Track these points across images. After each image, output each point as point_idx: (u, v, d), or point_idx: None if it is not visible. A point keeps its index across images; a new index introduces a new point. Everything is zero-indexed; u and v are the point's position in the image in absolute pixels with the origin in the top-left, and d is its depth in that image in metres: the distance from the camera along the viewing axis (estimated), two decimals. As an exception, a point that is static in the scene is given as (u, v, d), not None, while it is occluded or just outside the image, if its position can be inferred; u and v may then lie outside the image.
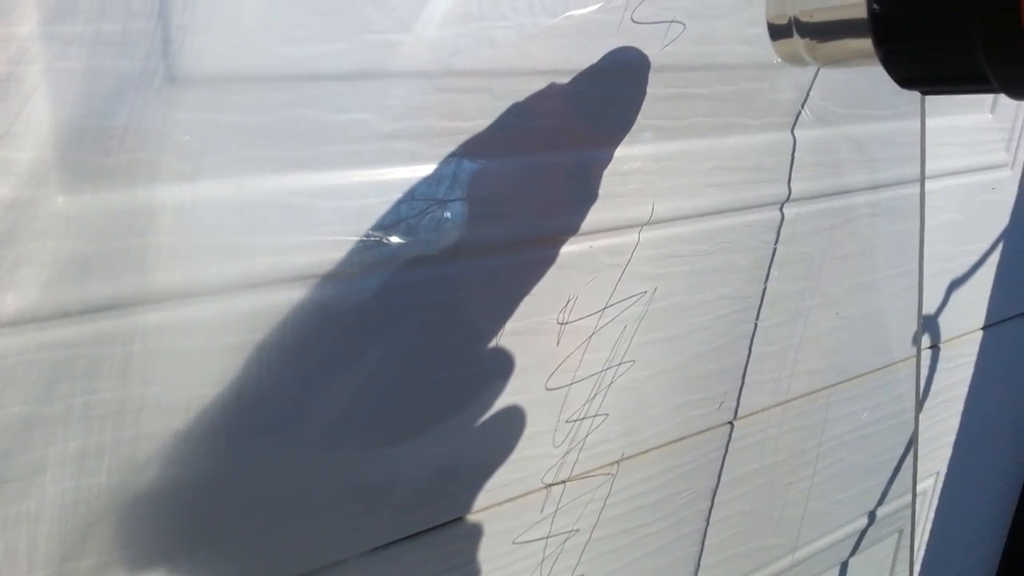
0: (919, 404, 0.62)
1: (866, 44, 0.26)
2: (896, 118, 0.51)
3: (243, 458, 0.31)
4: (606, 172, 0.38)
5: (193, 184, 0.28)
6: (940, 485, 0.74)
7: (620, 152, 0.38)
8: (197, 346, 0.29)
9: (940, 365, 0.66)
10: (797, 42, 0.30)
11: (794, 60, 0.31)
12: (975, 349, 0.69)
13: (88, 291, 0.27)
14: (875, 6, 0.25)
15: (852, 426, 0.58)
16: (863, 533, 0.64)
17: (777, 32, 0.30)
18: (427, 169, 0.33)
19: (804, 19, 0.29)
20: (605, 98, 0.37)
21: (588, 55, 0.36)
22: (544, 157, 0.36)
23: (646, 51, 0.37)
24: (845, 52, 0.28)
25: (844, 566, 0.65)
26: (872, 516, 0.64)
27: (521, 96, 0.35)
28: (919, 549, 0.75)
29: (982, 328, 0.69)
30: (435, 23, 0.32)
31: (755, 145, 0.44)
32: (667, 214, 0.41)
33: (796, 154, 0.46)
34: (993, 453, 0.79)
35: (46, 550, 0.28)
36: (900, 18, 0.24)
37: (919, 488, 0.69)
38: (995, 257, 0.66)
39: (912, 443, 0.63)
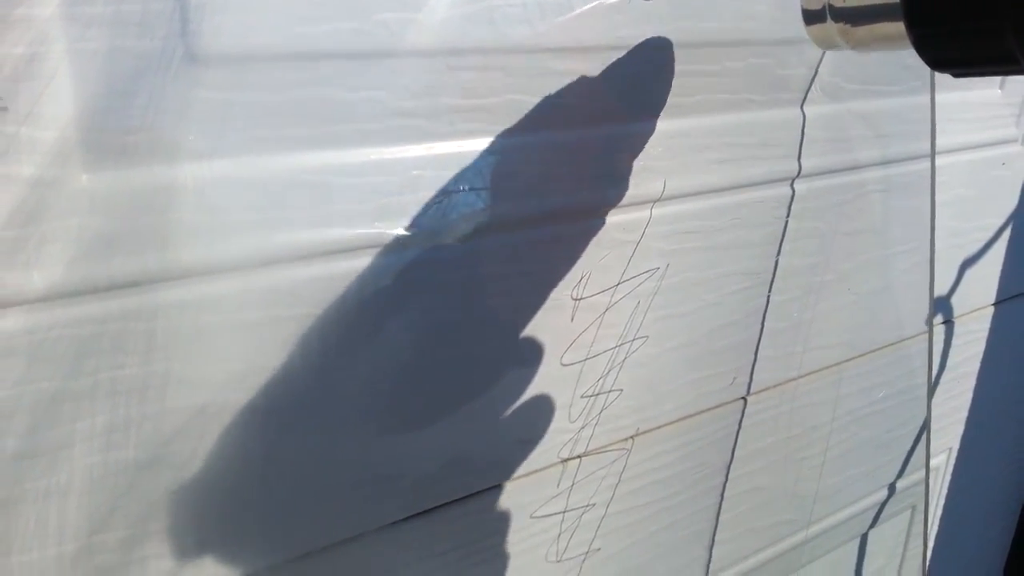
0: (931, 381, 0.62)
1: (899, 27, 0.26)
2: (906, 94, 0.51)
3: (264, 434, 0.32)
4: (617, 149, 0.38)
5: (212, 162, 0.28)
6: (953, 461, 0.74)
7: (631, 129, 0.39)
8: (218, 322, 0.30)
9: (952, 341, 0.66)
10: (831, 27, 0.30)
11: (828, 44, 0.31)
12: (986, 325, 0.69)
13: (112, 268, 0.27)
14: None
15: (865, 402, 0.59)
16: (879, 510, 0.65)
17: (811, 17, 0.31)
18: (440, 147, 0.33)
19: (838, 4, 0.30)
20: (619, 77, 0.37)
21: (598, 33, 0.36)
22: (555, 135, 0.36)
23: (656, 28, 0.38)
24: (878, 36, 0.29)
25: (863, 539, 0.65)
26: (887, 491, 0.64)
27: (532, 75, 0.35)
28: (932, 525, 0.75)
29: (993, 304, 0.69)
30: (447, 2, 0.32)
31: (765, 121, 0.44)
32: (678, 190, 0.41)
33: (806, 130, 0.46)
34: (1005, 429, 0.79)
35: (75, 523, 0.29)
36: (931, 2, 0.25)
37: (932, 464, 0.69)
38: (1006, 233, 0.66)
39: (925, 423, 0.63)
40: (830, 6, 0.30)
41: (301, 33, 0.29)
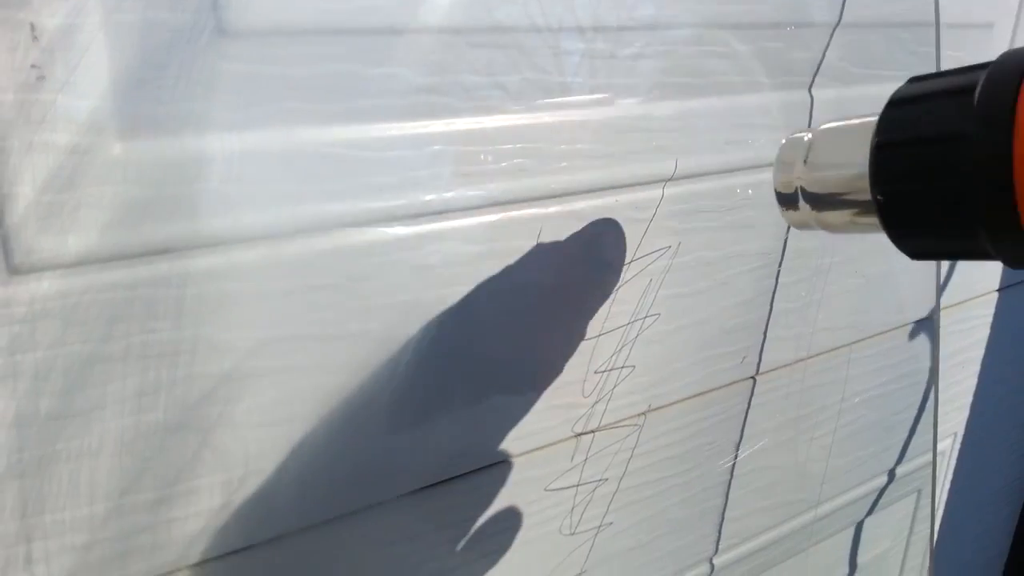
0: (937, 365, 0.63)
1: (873, 219, 0.27)
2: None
3: (288, 401, 0.33)
4: (631, 128, 0.39)
5: (241, 134, 0.29)
6: (958, 447, 0.75)
7: (644, 109, 0.39)
8: (245, 290, 0.31)
9: (956, 327, 0.67)
10: (805, 211, 0.30)
11: (802, 226, 0.31)
12: (991, 311, 0.70)
13: (144, 235, 0.28)
14: (879, 196, 0.26)
15: (872, 384, 0.59)
16: (884, 492, 0.65)
17: (784, 200, 0.31)
18: (459, 123, 0.34)
19: (810, 189, 0.30)
20: (632, 55, 0.38)
21: (616, 5, 0.37)
22: (574, 112, 0.37)
23: (667, 7, 0.38)
24: (852, 224, 0.29)
25: (860, 525, 0.66)
26: (894, 473, 0.65)
27: (552, 52, 0.36)
28: (938, 510, 0.76)
29: (997, 290, 0.69)
30: (466, -19, 0.33)
31: (773, 104, 0.45)
32: (690, 170, 0.42)
33: (814, 113, 0.47)
34: (1010, 415, 0.80)
35: (106, 484, 0.30)
36: (904, 209, 0.25)
37: (937, 449, 0.69)
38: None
39: (932, 407, 0.64)
40: (803, 191, 0.30)
41: (327, 9, 0.30)
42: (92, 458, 0.29)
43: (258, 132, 0.30)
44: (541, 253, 0.38)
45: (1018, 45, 0.57)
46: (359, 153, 0.32)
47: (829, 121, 0.30)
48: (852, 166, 0.27)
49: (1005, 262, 0.24)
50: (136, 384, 0.29)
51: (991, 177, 0.22)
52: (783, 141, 0.31)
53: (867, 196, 0.26)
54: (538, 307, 0.39)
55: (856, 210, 0.28)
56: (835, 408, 0.58)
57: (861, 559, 0.68)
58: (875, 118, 0.26)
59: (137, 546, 0.31)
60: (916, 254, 0.27)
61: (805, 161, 0.30)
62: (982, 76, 0.23)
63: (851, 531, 0.65)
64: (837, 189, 0.28)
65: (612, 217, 0.40)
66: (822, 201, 0.29)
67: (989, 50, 0.58)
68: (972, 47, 0.57)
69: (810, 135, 0.30)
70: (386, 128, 0.32)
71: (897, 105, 0.26)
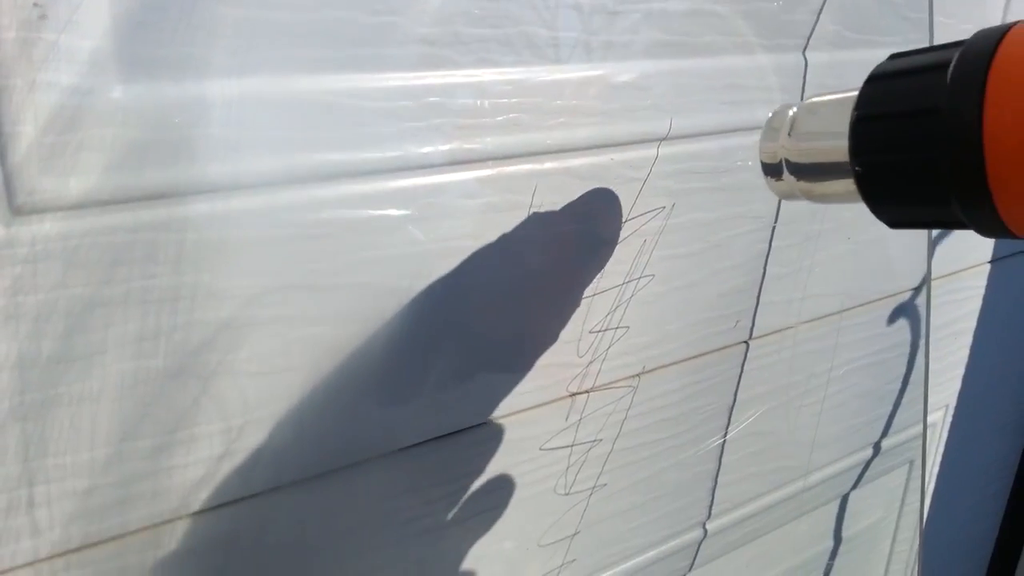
0: (928, 334, 0.64)
1: (853, 190, 0.28)
2: (906, 44, 0.53)
3: (287, 351, 0.33)
4: (626, 85, 0.39)
5: (240, 80, 0.29)
6: (950, 418, 0.76)
7: (639, 67, 0.40)
8: (245, 237, 0.31)
9: (947, 297, 0.67)
10: (789, 182, 0.32)
11: (787, 196, 0.33)
12: (983, 282, 0.71)
13: (144, 178, 0.28)
14: (857, 167, 0.27)
15: (862, 352, 0.60)
16: (874, 462, 0.66)
17: (770, 170, 0.33)
18: (458, 75, 0.34)
19: (793, 159, 0.31)
20: (630, 13, 0.38)
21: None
22: (571, 68, 0.38)
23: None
24: (834, 195, 0.30)
25: (850, 495, 0.66)
26: (885, 443, 0.66)
27: (551, 7, 0.36)
28: (930, 481, 0.77)
29: (990, 262, 0.70)
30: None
31: (768, 65, 0.45)
32: (685, 130, 0.42)
33: (808, 76, 0.47)
34: (1002, 387, 0.81)
35: (107, 428, 0.30)
36: (882, 180, 0.27)
37: (929, 420, 0.70)
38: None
39: (906, 376, 0.65)
40: (787, 162, 0.31)
41: (324, -44, 0.30)
42: (93, 403, 0.30)
43: (257, 78, 0.30)
44: (537, 217, 0.39)
45: (1012, 11, 0.57)
46: (357, 103, 0.32)
47: (815, 95, 0.31)
48: (833, 138, 0.28)
49: (977, 230, 0.25)
50: (136, 329, 0.30)
51: (962, 149, 0.23)
52: (770, 114, 0.33)
53: (847, 167, 0.28)
54: (535, 265, 0.39)
55: (837, 181, 0.29)
56: (825, 376, 0.58)
57: (853, 529, 0.69)
58: (856, 92, 0.28)
59: (138, 492, 0.32)
60: (894, 223, 0.28)
61: (789, 133, 0.31)
62: (956, 53, 0.24)
63: (841, 501, 0.66)
64: (819, 160, 0.30)
65: (609, 179, 0.40)
66: (805, 171, 0.31)
67: (982, 16, 0.59)
68: (964, 14, 0.57)
69: (795, 108, 0.31)
70: (384, 78, 0.33)
71: (876, 81, 0.27)
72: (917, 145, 0.25)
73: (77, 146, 0.27)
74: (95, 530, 0.31)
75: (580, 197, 0.40)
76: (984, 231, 0.25)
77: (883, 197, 0.27)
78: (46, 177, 0.27)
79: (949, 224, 0.26)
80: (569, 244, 0.40)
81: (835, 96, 0.29)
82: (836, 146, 0.28)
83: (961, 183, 0.24)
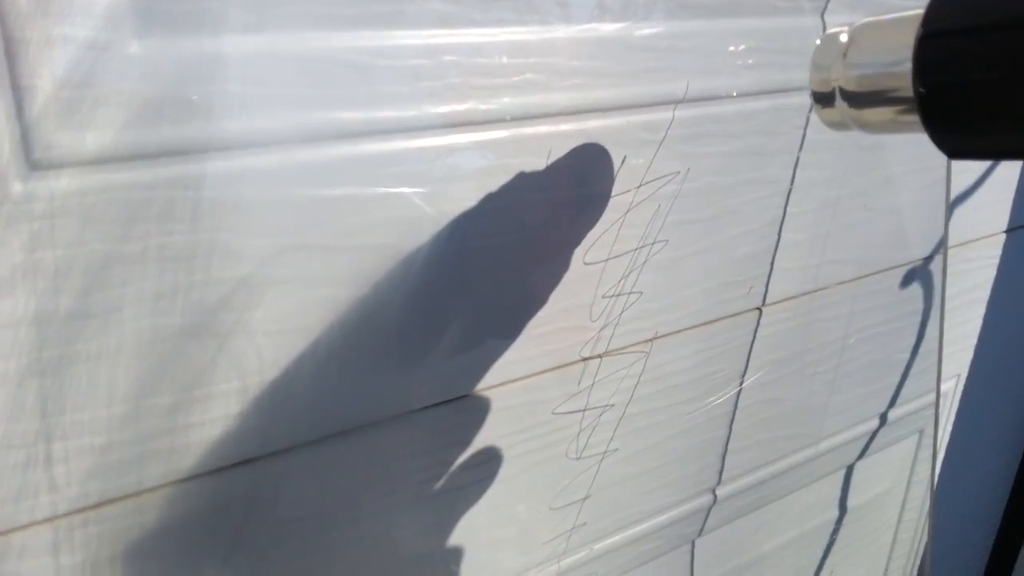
0: (943, 303, 0.63)
1: (913, 117, 0.26)
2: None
3: (303, 311, 0.33)
4: (642, 47, 0.39)
5: (256, 36, 0.29)
6: (961, 388, 0.76)
7: (656, 28, 0.39)
8: (261, 196, 0.31)
9: (962, 266, 0.67)
10: (842, 109, 0.29)
11: (839, 127, 0.30)
12: (997, 252, 0.70)
13: (161, 135, 0.28)
14: (921, 90, 0.25)
15: (876, 320, 0.60)
16: (875, 431, 0.66)
17: (821, 99, 0.30)
18: (475, 34, 0.34)
19: (849, 88, 0.29)
20: (642, -29, 0.38)
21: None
22: (589, 29, 0.37)
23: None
24: (891, 123, 0.28)
25: (853, 467, 0.67)
26: (887, 417, 0.66)
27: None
28: (940, 451, 0.77)
29: (1005, 231, 0.69)
30: None
31: (787, 28, 0.45)
32: (701, 93, 0.42)
33: (826, 41, 0.47)
34: (1016, 358, 0.80)
35: (124, 386, 0.30)
36: (947, 103, 0.25)
37: (941, 389, 0.70)
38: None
39: (931, 345, 0.64)
40: (841, 90, 0.29)
41: (341, -89, 0.30)
42: (111, 359, 0.30)
43: (273, 34, 0.30)
44: (539, 176, 0.38)
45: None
46: (373, 60, 0.32)
47: (870, 16, 0.29)
48: (893, 61, 0.26)
49: None
50: (154, 287, 0.30)
51: None
52: (817, 41, 0.30)
53: (908, 92, 0.26)
54: (542, 225, 0.39)
55: (896, 107, 0.27)
56: (838, 344, 0.58)
57: (862, 497, 0.69)
58: (919, 11, 0.26)
59: (155, 450, 0.32)
60: (955, 152, 0.26)
61: (844, 57, 0.29)
62: None
63: (851, 469, 0.66)
64: (876, 86, 0.28)
65: (624, 141, 0.40)
66: (860, 99, 0.28)
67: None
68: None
69: (848, 32, 0.29)
70: (401, 36, 0.32)
71: None
72: (991, 63, 0.23)
73: (93, 101, 0.27)
74: (113, 487, 0.31)
75: (569, 153, 0.39)
76: None
77: (947, 123, 0.25)
78: (63, 132, 0.27)
79: (1017, 154, 0.24)
80: (571, 205, 0.40)
81: (895, 16, 0.27)
82: (897, 69, 0.26)
83: None
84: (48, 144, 0.26)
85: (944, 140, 0.26)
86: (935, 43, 0.25)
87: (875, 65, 0.27)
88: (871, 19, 0.28)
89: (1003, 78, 0.23)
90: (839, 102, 0.29)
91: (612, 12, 0.38)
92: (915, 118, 0.26)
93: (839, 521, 0.68)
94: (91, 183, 0.27)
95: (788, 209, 0.49)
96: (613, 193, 0.41)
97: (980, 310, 0.72)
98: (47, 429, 0.29)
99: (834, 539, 0.68)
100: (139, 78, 0.27)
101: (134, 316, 0.30)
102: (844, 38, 0.29)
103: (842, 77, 0.29)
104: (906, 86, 0.26)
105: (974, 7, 0.24)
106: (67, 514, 0.31)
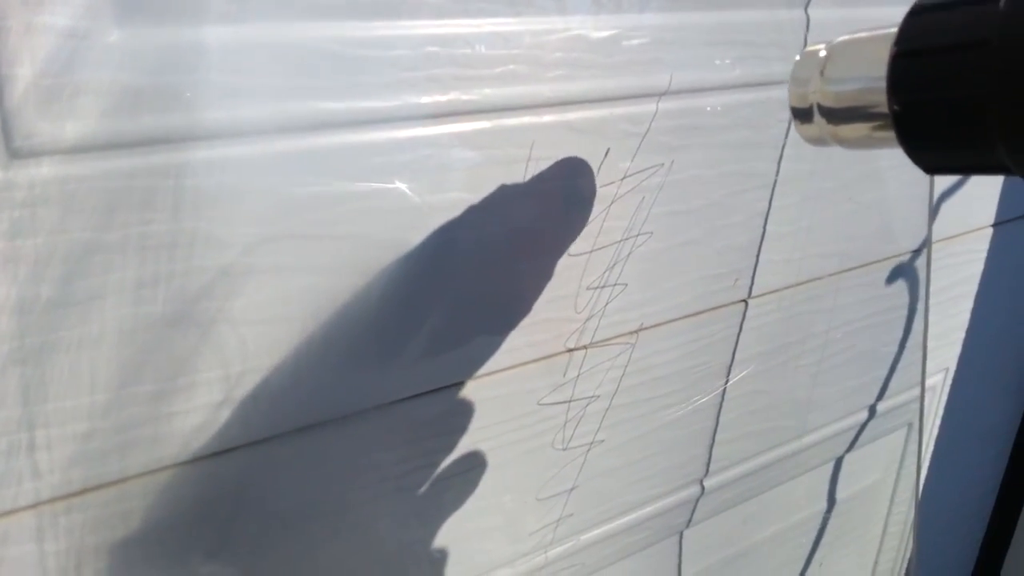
0: (928, 297, 0.64)
1: (889, 133, 0.26)
2: (910, 4, 0.52)
3: (285, 299, 0.33)
4: (626, 38, 0.39)
5: (238, 25, 0.29)
6: (949, 381, 0.76)
7: (640, 20, 0.39)
8: (242, 185, 0.31)
9: (949, 260, 0.67)
10: (820, 125, 0.30)
11: (818, 142, 0.31)
12: (985, 246, 0.71)
13: (141, 124, 0.28)
14: (895, 107, 0.25)
15: (862, 314, 0.60)
16: (864, 424, 0.66)
17: (799, 114, 0.31)
18: (458, 24, 0.34)
19: (826, 104, 0.29)
20: (625, -37, 0.38)
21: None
22: (572, 21, 0.37)
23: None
24: (868, 139, 0.28)
25: (846, 456, 0.67)
26: (875, 409, 0.66)
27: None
28: (928, 445, 0.77)
29: (992, 225, 0.70)
30: None
31: (770, 21, 0.45)
32: (685, 85, 0.42)
33: (809, 34, 0.47)
34: (1004, 352, 0.81)
35: (107, 374, 0.30)
36: (921, 120, 0.25)
37: (928, 383, 0.70)
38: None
39: (917, 338, 0.65)
40: (819, 105, 0.29)
41: (321, -99, 0.30)
42: (92, 348, 0.30)
43: (255, 24, 0.30)
44: (535, 159, 0.39)
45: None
46: (355, 51, 0.32)
47: (844, 35, 0.29)
48: (869, 78, 0.27)
49: (1020, 172, 0.24)
50: (135, 275, 0.30)
51: (1012, 86, 0.22)
52: (797, 57, 0.31)
53: (884, 108, 0.26)
54: (530, 219, 0.39)
55: (872, 123, 0.27)
56: (823, 337, 0.58)
57: (851, 490, 0.69)
58: (894, 29, 0.26)
59: (137, 438, 0.32)
60: (932, 168, 0.26)
61: (821, 74, 0.29)
62: None
63: (839, 462, 0.66)
64: (853, 102, 0.28)
65: (608, 133, 0.40)
66: (838, 115, 0.29)
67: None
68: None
69: (825, 49, 0.30)
70: (383, 26, 0.32)
71: (918, 13, 0.25)
72: (962, 82, 0.23)
73: (74, 90, 0.27)
74: (95, 474, 0.31)
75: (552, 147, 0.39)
76: None
77: (921, 139, 0.26)
78: (43, 120, 0.27)
79: (991, 169, 0.24)
80: (558, 200, 0.40)
81: (871, 33, 0.28)
82: (872, 86, 0.26)
83: (1010, 124, 0.22)
84: (28, 132, 0.27)
85: (920, 156, 0.26)
86: (908, 62, 0.25)
87: (852, 81, 0.28)
88: (848, 36, 0.29)
89: (974, 96, 0.23)
90: (817, 118, 0.30)
91: (596, 4, 0.38)
92: (892, 134, 0.26)
93: (828, 513, 0.68)
94: (72, 171, 0.28)
95: (773, 202, 0.50)
96: (598, 185, 0.41)
97: (968, 304, 0.73)
98: (29, 417, 0.29)
99: (823, 531, 0.69)
100: (119, 67, 0.28)
101: (116, 304, 0.30)
102: (823, 54, 0.29)
103: (820, 93, 0.29)
104: (882, 103, 0.26)
105: (944, 26, 0.24)
106: (51, 500, 0.31)
